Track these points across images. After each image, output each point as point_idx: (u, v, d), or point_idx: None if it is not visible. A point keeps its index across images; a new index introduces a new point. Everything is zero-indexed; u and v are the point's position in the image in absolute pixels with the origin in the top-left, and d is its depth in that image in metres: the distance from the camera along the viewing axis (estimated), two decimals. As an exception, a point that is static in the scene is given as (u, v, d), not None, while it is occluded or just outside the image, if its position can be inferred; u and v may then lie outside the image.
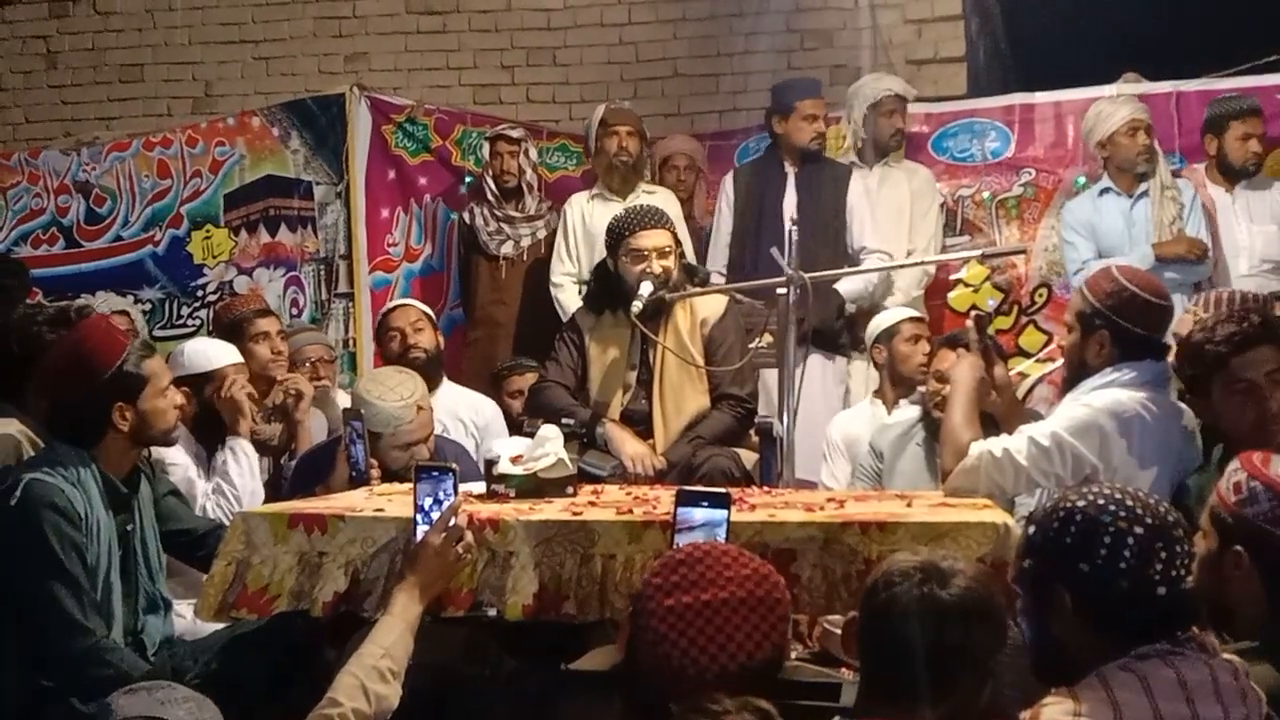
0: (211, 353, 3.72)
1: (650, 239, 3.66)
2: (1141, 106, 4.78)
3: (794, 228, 3.47)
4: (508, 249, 5.14)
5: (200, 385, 3.59)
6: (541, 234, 5.16)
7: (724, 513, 2.20)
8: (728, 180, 4.97)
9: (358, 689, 2.11)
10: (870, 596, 1.85)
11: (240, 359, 3.77)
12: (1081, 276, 4.63)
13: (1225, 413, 2.64)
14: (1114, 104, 4.81)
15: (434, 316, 4.54)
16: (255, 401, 3.83)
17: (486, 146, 5.22)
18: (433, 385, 4.29)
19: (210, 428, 3.63)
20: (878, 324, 4.47)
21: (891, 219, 4.93)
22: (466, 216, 5.24)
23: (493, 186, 5.18)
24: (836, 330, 4.65)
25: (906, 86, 5.08)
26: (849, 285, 4.65)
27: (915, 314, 4.54)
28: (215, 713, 2.11)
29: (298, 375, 4.10)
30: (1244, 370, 2.61)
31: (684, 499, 2.25)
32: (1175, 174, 4.81)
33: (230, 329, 4.13)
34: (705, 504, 2.22)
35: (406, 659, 2.21)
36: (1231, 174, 4.76)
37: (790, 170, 4.83)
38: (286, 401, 3.99)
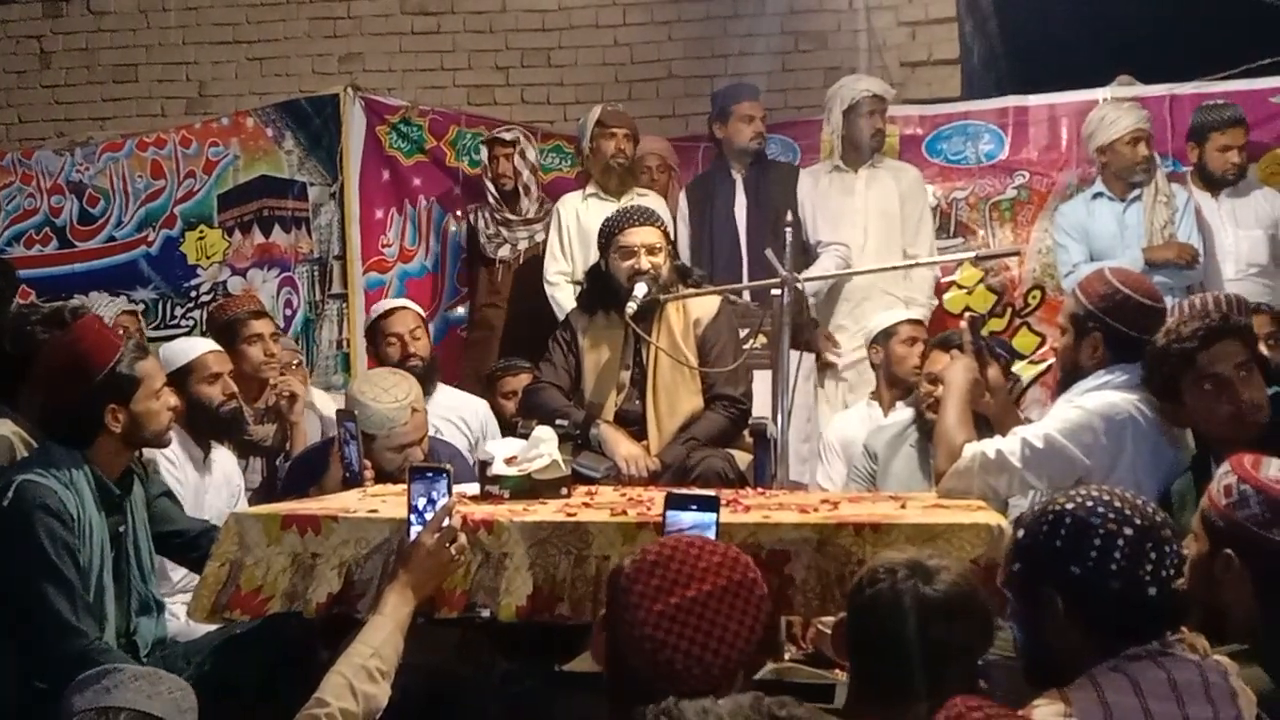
0: (187, 346, 3.76)
1: (639, 235, 3.67)
2: (1144, 115, 4.77)
3: (789, 229, 3.47)
4: (504, 252, 5.14)
5: (183, 379, 3.58)
6: (539, 237, 5.15)
7: (713, 515, 2.20)
8: (681, 195, 5.01)
9: (345, 688, 2.10)
10: (856, 594, 1.86)
11: (218, 347, 3.78)
12: (1073, 279, 4.67)
13: (1199, 410, 2.64)
14: (1119, 111, 4.80)
15: (425, 319, 4.54)
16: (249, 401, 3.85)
17: (484, 150, 5.22)
18: (429, 390, 4.29)
19: (201, 423, 3.65)
20: (877, 324, 4.48)
21: (880, 221, 4.93)
22: (471, 219, 5.24)
23: (493, 190, 5.17)
24: (802, 325, 4.64)
25: (885, 87, 5.06)
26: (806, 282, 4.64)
27: (915, 316, 4.54)
28: (172, 683, 2.06)
29: (290, 377, 4.10)
30: (1212, 365, 2.60)
31: (673, 502, 2.24)
32: (1171, 177, 4.83)
33: (223, 330, 4.13)
34: (694, 507, 2.22)
35: (396, 659, 2.21)
36: (1212, 182, 4.78)
37: (737, 176, 4.86)
38: (280, 404, 4.00)
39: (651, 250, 3.66)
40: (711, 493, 2.35)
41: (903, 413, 4.13)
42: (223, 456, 3.78)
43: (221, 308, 4.39)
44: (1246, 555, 1.92)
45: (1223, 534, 1.95)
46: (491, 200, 5.17)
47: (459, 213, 5.49)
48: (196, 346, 3.76)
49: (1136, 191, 4.72)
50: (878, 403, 4.44)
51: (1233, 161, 4.73)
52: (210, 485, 3.68)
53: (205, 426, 3.66)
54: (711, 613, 1.73)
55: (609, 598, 1.82)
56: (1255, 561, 1.92)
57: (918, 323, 4.49)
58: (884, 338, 4.42)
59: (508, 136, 5.20)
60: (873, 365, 4.52)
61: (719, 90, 5.08)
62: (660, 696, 1.52)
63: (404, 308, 4.46)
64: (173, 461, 3.45)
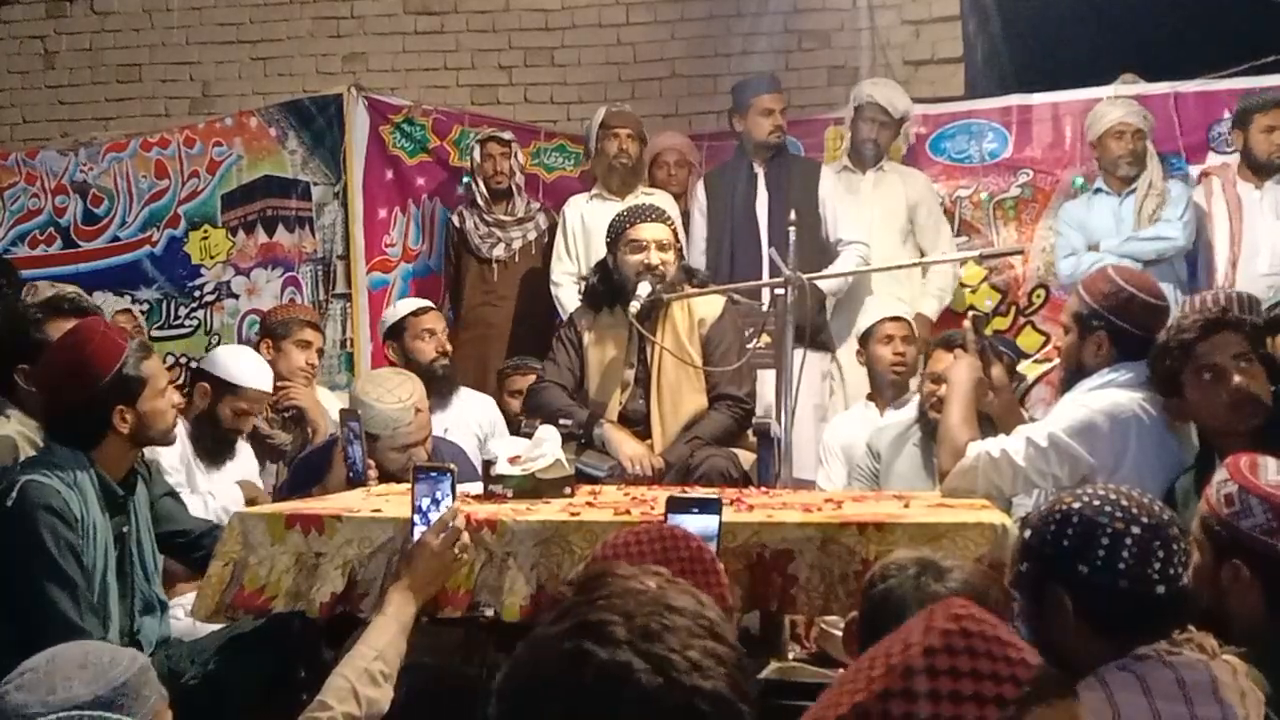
0: (245, 370, 3.71)
1: (649, 230, 3.68)
2: (1135, 110, 4.78)
3: (793, 227, 3.46)
4: (499, 251, 5.14)
5: (222, 391, 3.64)
6: (532, 235, 5.16)
7: (715, 519, 2.19)
8: (699, 187, 4.96)
9: (348, 691, 2.10)
10: (867, 591, 1.86)
11: (268, 387, 3.77)
12: (1068, 263, 4.73)
13: (1197, 400, 2.64)
14: (1110, 105, 4.85)
15: None
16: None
17: (477, 149, 5.21)
18: (452, 391, 4.36)
19: (209, 427, 3.66)
20: (860, 325, 4.50)
21: (885, 224, 4.92)
22: (455, 220, 5.24)
23: (482, 189, 5.17)
24: (819, 326, 4.64)
25: (894, 100, 4.98)
26: (827, 280, 4.61)
27: (895, 314, 4.50)
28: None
29: (291, 389, 4.09)
30: (1210, 355, 2.61)
31: (674, 506, 2.23)
32: (1175, 175, 4.79)
33: (275, 326, 4.25)
34: (695, 510, 2.21)
35: (399, 661, 2.20)
36: (1258, 169, 4.69)
37: (759, 170, 4.83)
38: (300, 412, 4.04)
39: (661, 247, 3.67)
40: (714, 495, 2.34)
41: (905, 412, 4.12)
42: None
43: (283, 308, 4.62)
44: (1255, 564, 1.90)
45: (1227, 543, 1.94)
46: (480, 201, 5.17)
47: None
48: (251, 378, 3.70)
49: (1133, 186, 4.73)
50: (874, 404, 4.45)
51: (1277, 143, 4.65)
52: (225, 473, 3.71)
53: (211, 434, 3.68)
54: None
55: None
56: (1264, 570, 1.90)
57: (898, 320, 4.44)
58: (866, 338, 4.42)
59: (505, 135, 5.21)
60: (862, 365, 4.53)
61: (739, 83, 5.04)
62: None
63: (433, 309, 4.55)
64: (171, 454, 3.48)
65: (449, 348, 4.46)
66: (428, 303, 4.64)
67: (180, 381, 5.24)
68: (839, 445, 4.38)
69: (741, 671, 1.06)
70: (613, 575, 1.16)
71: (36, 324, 3.01)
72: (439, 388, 4.26)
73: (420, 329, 4.38)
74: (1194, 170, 5.02)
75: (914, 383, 4.28)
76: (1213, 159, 5.05)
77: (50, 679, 1.70)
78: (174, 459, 3.50)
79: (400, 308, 4.57)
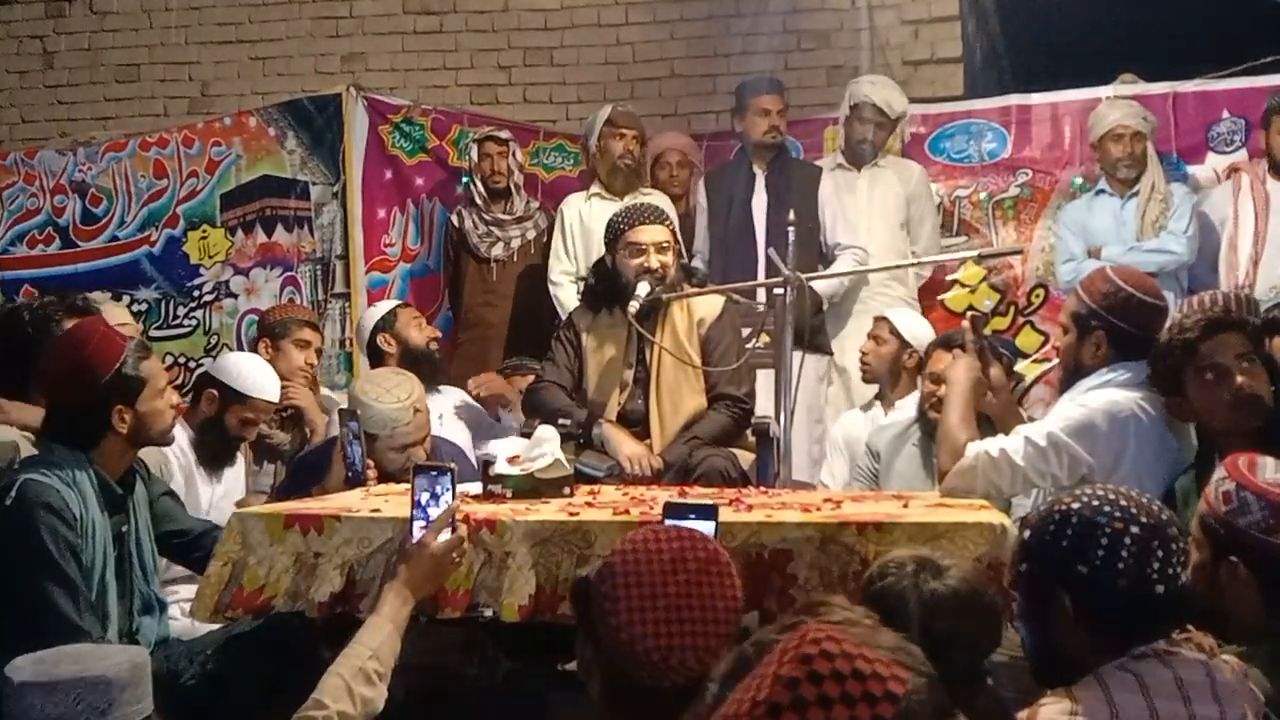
0: (255, 380, 3.65)
1: (649, 233, 3.67)
2: (1135, 112, 4.78)
3: (792, 227, 3.46)
4: (498, 251, 5.14)
5: (230, 400, 3.58)
6: (531, 234, 5.16)
7: (711, 524, 2.19)
8: (700, 187, 4.97)
9: (344, 690, 2.10)
10: (865, 588, 1.87)
11: (275, 398, 3.74)
12: (1069, 268, 4.73)
13: (1199, 399, 2.64)
14: (1110, 107, 4.85)
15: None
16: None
17: (475, 148, 5.21)
18: (439, 383, 4.36)
19: (214, 434, 3.64)
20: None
21: (882, 222, 4.92)
22: (455, 220, 5.25)
23: (481, 189, 5.18)
24: (815, 328, 4.63)
25: (890, 99, 4.97)
26: (824, 283, 4.61)
27: (879, 314, 4.52)
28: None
29: (290, 389, 4.08)
30: (1213, 354, 2.61)
31: (671, 512, 2.23)
32: (1231, 169, 4.79)
33: (274, 326, 4.27)
34: (692, 516, 2.21)
35: (394, 660, 2.20)
36: (1276, 169, 4.64)
37: (759, 172, 4.83)
38: (298, 412, 4.04)
39: (660, 249, 3.66)
40: (709, 501, 2.34)
41: (905, 412, 4.13)
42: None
43: (281, 308, 4.67)
44: (1252, 561, 1.91)
45: (1224, 540, 1.94)
46: (479, 200, 5.17)
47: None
48: (258, 388, 3.64)
49: (1136, 188, 4.73)
50: (879, 403, 4.45)
51: None
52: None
53: (215, 440, 3.65)
54: (689, 600, 1.73)
55: (579, 610, 1.81)
56: (1262, 568, 1.91)
57: (878, 319, 4.48)
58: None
59: (503, 135, 5.21)
60: None
61: (741, 83, 5.05)
62: (653, 689, 1.54)
63: (407, 304, 4.67)
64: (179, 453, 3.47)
65: (438, 334, 4.55)
66: (397, 301, 4.78)
67: (179, 381, 5.25)
68: (843, 440, 4.40)
69: (941, 697, 1.14)
70: (830, 605, 1.28)
71: (58, 321, 3.03)
72: (434, 371, 4.28)
73: (410, 317, 4.41)
74: (1191, 170, 5.03)
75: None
76: (1212, 159, 5.06)
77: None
78: (173, 466, 3.48)
79: (380, 306, 4.60)
